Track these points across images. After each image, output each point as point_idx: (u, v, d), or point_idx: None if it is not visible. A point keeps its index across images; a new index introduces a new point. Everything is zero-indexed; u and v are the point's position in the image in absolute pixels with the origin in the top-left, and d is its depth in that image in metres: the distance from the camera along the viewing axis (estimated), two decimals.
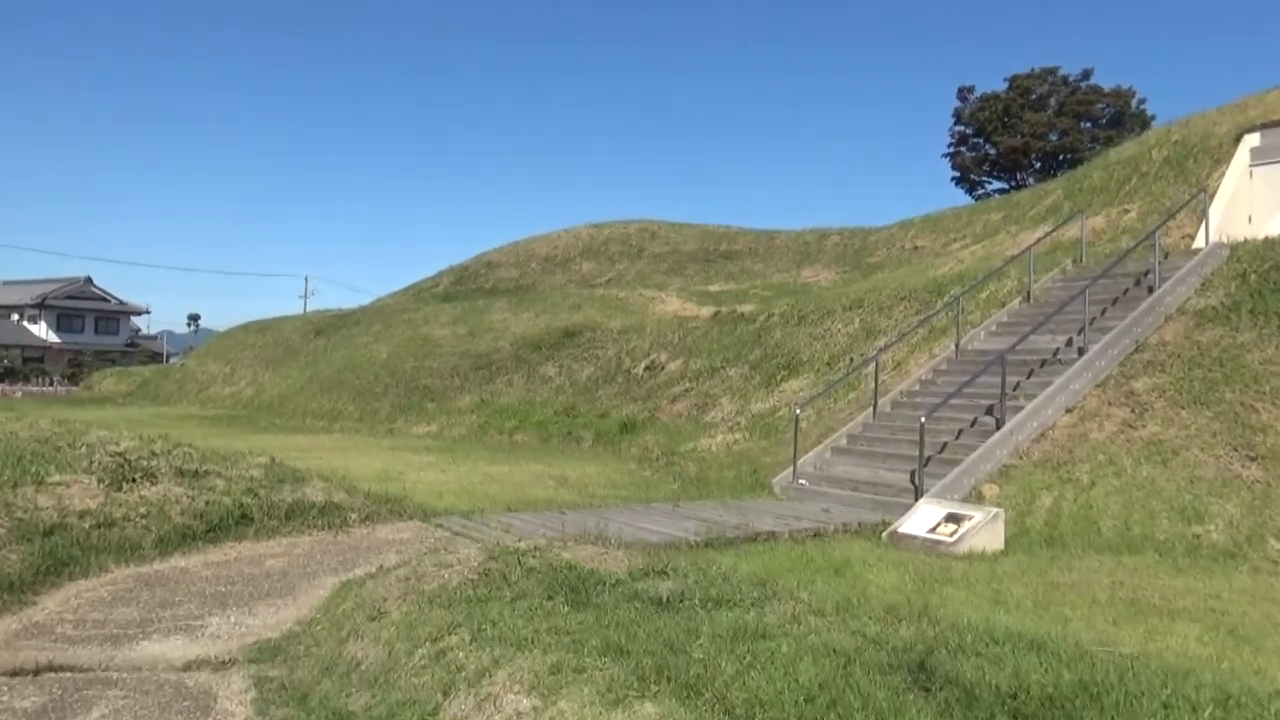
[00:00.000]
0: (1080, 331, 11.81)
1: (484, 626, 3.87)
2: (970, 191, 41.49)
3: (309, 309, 56.47)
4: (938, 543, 8.25)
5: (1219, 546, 8.38)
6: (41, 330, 62.65)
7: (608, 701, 2.93)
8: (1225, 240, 13.58)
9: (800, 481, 11.07)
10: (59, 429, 12.45)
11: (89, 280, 66.50)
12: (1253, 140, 16.96)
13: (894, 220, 31.55)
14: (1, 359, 56.49)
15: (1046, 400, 10.72)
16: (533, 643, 3.57)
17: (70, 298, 64.56)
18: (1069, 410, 10.85)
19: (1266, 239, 13.09)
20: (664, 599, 4.18)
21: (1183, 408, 10.33)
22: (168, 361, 55.26)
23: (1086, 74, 40.00)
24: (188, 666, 4.31)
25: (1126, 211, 17.93)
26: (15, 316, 63.41)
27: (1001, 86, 40.72)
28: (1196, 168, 17.68)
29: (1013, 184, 39.00)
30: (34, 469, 7.69)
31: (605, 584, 4.45)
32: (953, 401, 10.98)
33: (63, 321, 63.75)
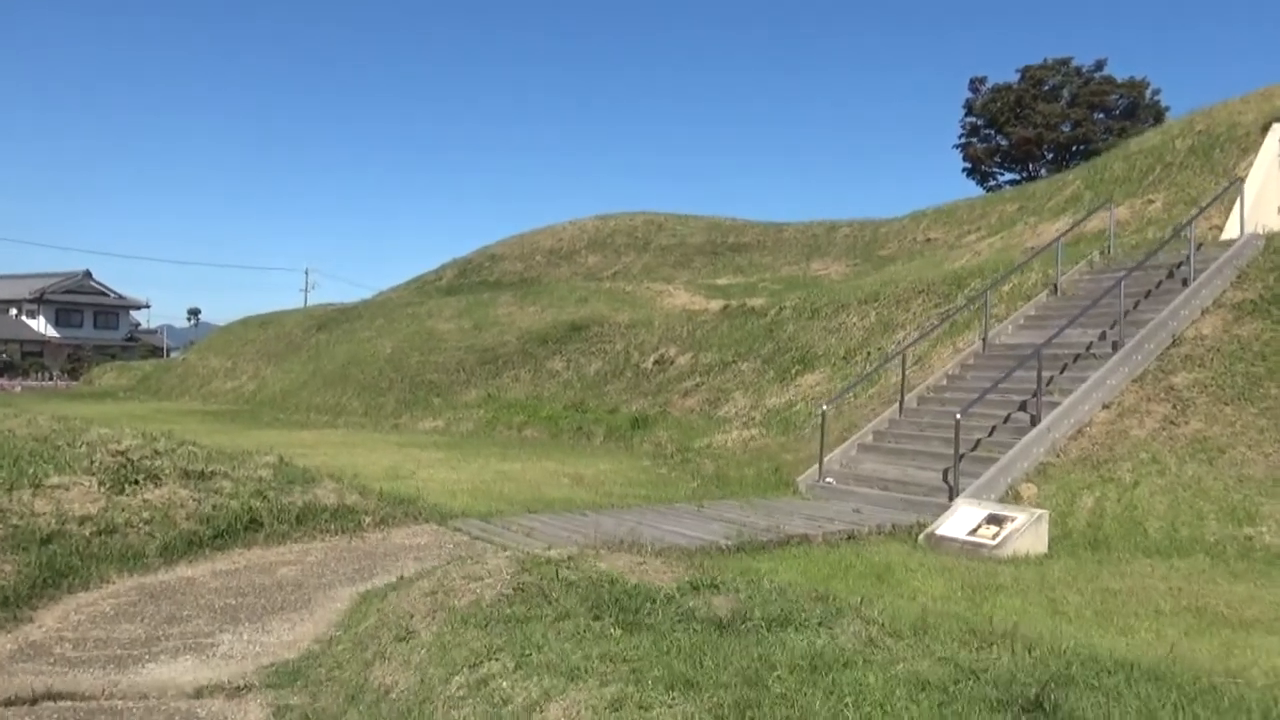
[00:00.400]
0: (1114, 325, 11.41)
1: (528, 651, 3.48)
2: (981, 183, 41.00)
3: (309, 303, 56.05)
4: (979, 546, 7.87)
5: (1273, 549, 8.00)
6: (40, 325, 62.22)
7: None
8: (1260, 231, 13.17)
9: (827, 480, 10.69)
10: (58, 426, 12.07)
11: (88, 274, 66.03)
12: None
13: (905, 212, 31.14)
14: (1, 354, 56.08)
15: (1083, 396, 10.33)
16: (586, 672, 3.19)
17: (69, 292, 64.11)
18: (1106, 406, 10.46)
19: None
20: (723, 619, 3.80)
21: (1226, 404, 9.94)
22: (168, 356, 54.88)
23: (1100, 65, 39.52)
24: (199, 693, 3.92)
25: (1151, 202, 17.52)
26: (14, 311, 62.96)
27: (1014, 77, 40.29)
28: (1223, 157, 17.27)
29: (1024, 175, 38.53)
30: (31, 470, 7.31)
31: (654, 601, 4.07)
32: (985, 397, 10.59)
33: (62, 316, 63.30)
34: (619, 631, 3.64)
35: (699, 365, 19.93)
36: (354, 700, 3.69)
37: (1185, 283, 11.95)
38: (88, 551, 5.85)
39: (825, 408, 11.24)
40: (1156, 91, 39.06)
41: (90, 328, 64.59)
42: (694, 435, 16.13)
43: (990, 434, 10.36)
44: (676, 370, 20.44)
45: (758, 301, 22.50)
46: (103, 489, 6.91)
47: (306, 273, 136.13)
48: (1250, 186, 16.02)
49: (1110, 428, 10.16)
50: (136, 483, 7.12)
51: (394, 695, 3.61)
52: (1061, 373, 11.06)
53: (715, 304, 23.95)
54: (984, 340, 12.66)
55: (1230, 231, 14.27)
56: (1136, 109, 37.78)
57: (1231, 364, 10.45)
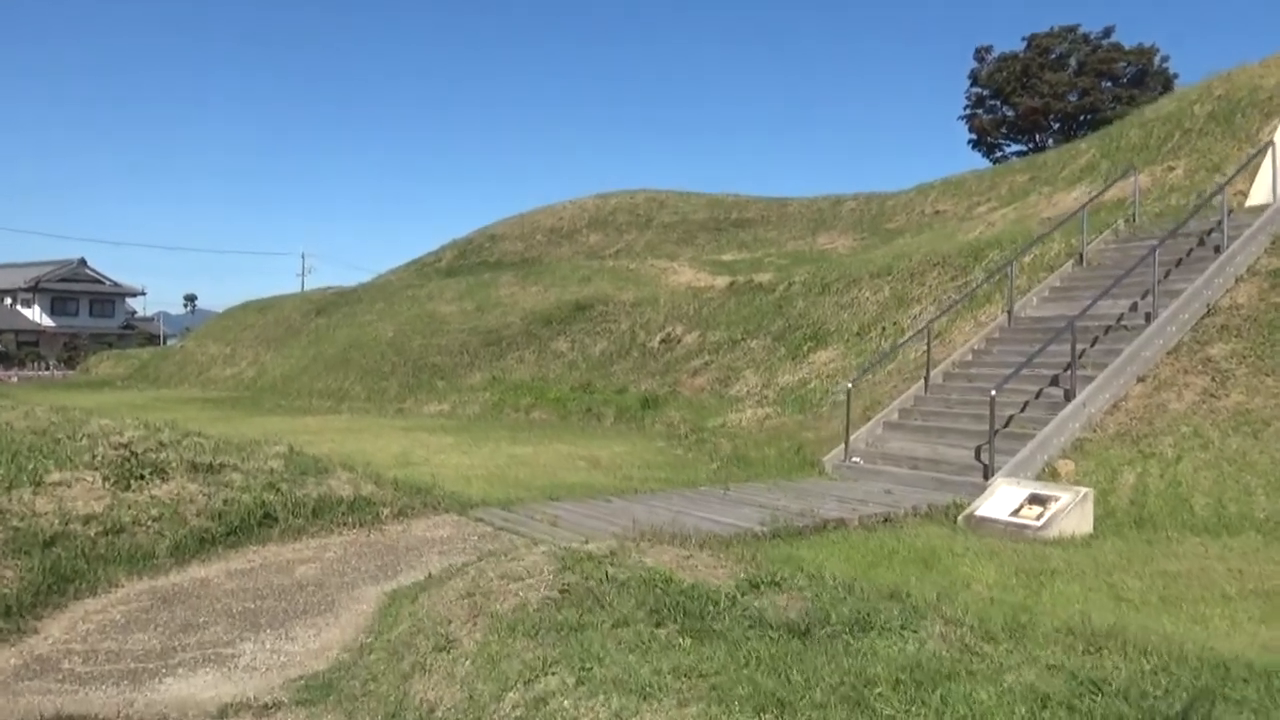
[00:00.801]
0: (1145, 295, 11.05)
1: (588, 665, 3.15)
2: (988, 155, 40.42)
3: (307, 287, 55.50)
4: (1023, 527, 7.55)
5: None
6: (35, 314, 61.61)
7: None
8: None
9: (854, 460, 10.36)
10: (57, 418, 11.70)
11: (83, 262, 65.32)
12: None
13: (910, 185, 30.66)
14: None
15: (1118, 369, 9.98)
16: (658, 690, 2.86)
17: (64, 280, 63.42)
18: (1141, 380, 10.12)
19: None
20: (798, 624, 3.46)
21: (1267, 374, 9.60)
22: (165, 343, 54.41)
23: (1108, 31, 38.81)
24: (223, 712, 3.59)
25: (1172, 169, 17.07)
26: (8, 300, 62.31)
27: (1020, 46, 39.58)
28: (1245, 123, 16.80)
29: (1031, 146, 37.95)
30: (31, 466, 6.94)
31: (716, 603, 3.73)
32: (1019, 372, 10.26)
33: (57, 305, 62.65)
34: (687, 640, 3.30)
35: (707, 343, 19.58)
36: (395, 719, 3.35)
37: (1218, 250, 11.59)
38: (94, 553, 5.50)
39: (850, 385, 10.89)
40: (1165, 58, 38.47)
41: (86, 316, 63.97)
42: (706, 415, 15.81)
43: (1022, 410, 10.03)
44: (684, 349, 20.09)
45: (765, 277, 22.10)
46: (107, 485, 6.56)
47: (303, 256, 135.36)
48: (1276, 150, 15.59)
49: (1147, 401, 9.82)
50: (142, 478, 6.77)
51: (439, 714, 3.28)
52: (1093, 346, 10.71)
53: (721, 280, 23.54)
54: (1010, 313, 12.29)
55: (1258, 197, 13.87)
56: (1145, 76, 37.14)
57: (1270, 333, 10.11)
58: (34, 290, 61.26)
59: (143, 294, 70.53)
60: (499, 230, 39.05)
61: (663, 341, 21.19)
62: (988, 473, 8.97)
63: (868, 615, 3.56)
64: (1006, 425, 9.78)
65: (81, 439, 8.73)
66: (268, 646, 4.33)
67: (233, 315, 38.24)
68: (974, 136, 40.80)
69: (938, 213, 26.89)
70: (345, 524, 6.76)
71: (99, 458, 7.39)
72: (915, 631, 3.41)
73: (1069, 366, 10.09)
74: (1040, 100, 36.87)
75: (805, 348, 17.19)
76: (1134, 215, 14.35)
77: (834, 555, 6.57)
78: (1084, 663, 3.07)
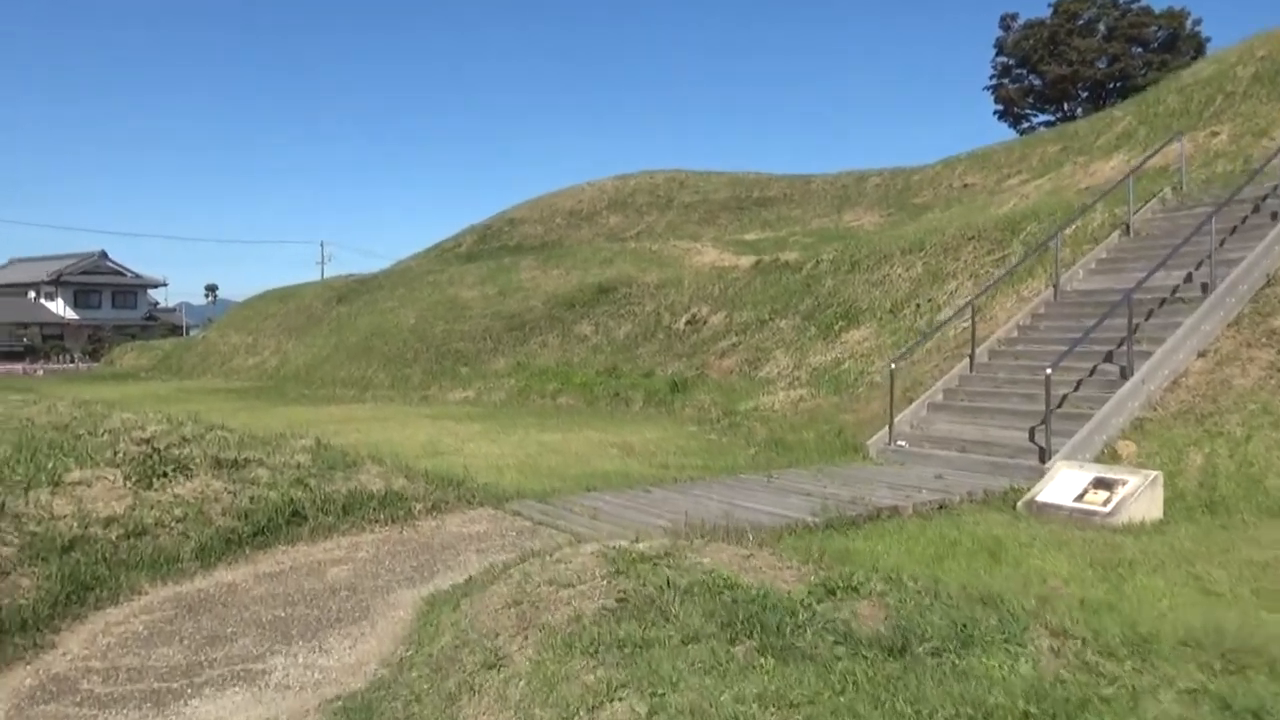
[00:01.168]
0: (1199, 266, 10.53)
1: (659, 690, 2.80)
2: (1014, 126, 39.39)
3: (326, 275, 55.46)
4: (1090, 514, 7.13)
5: None
6: (59, 307, 61.98)
7: None
8: None
9: (899, 443, 9.95)
10: (78, 413, 11.50)
11: (104, 254, 65.59)
12: None
13: (935, 159, 29.97)
14: (21, 337, 55.94)
15: (1176, 344, 9.50)
16: None
17: (86, 273, 63.70)
18: (1201, 354, 9.63)
19: None
20: (889, 640, 3.09)
21: None
22: (187, 334, 54.60)
23: None
24: None
25: (1215, 134, 16.42)
26: (32, 294, 62.71)
27: (1046, 13, 38.41)
28: None
29: (1060, 116, 36.99)
30: (50, 465, 6.68)
31: (792, 613, 3.37)
32: (1075, 349, 9.81)
33: (80, 297, 62.99)
34: (769, 660, 2.95)
35: (734, 324, 19.18)
36: None
37: (1275, 217, 11.03)
38: (115, 558, 5.21)
39: (893, 366, 10.45)
40: (1198, 22, 37.27)
41: (109, 308, 64.29)
42: (737, 398, 15.43)
43: (1076, 388, 9.57)
44: (710, 330, 19.70)
45: (791, 256, 21.62)
46: (129, 484, 6.28)
47: (322, 245, 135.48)
48: None
49: (1209, 377, 9.33)
50: (165, 475, 6.49)
51: None
52: (1147, 319, 10.21)
53: (746, 260, 23.08)
54: (1056, 287, 11.79)
55: None
56: (1177, 41, 36.01)
57: None
58: (57, 283, 61.59)
59: (164, 285, 70.86)
60: (518, 214, 38.67)
61: (688, 323, 20.81)
62: (1044, 455, 8.54)
63: (964, 626, 3.19)
64: (1060, 405, 9.33)
65: (103, 435, 8.49)
66: (300, 661, 4.02)
67: (254, 305, 38.17)
68: (1000, 107, 39.81)
69: (966, 186, 26.24)
70: (377, 521, 6.46)
71: (120, 454, 7.13)
72: (1023, 646, 3.04)
73: (1123, 341, 9.62)
74: (1069, 68, 35.83)
75: (837, 327, 16.74)
76: (1181, 183, 13.76)
77: (894, 547, 6.19)
78: (1229, 686, 2.69)
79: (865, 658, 2.96)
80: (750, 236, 28.93)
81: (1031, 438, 9.00)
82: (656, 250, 27.42)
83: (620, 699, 2.83)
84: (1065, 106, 37.98)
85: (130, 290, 67.01)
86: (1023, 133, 36.05)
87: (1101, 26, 37.15)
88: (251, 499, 6.26)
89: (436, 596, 4.74)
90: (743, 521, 6.46)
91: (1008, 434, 9.29)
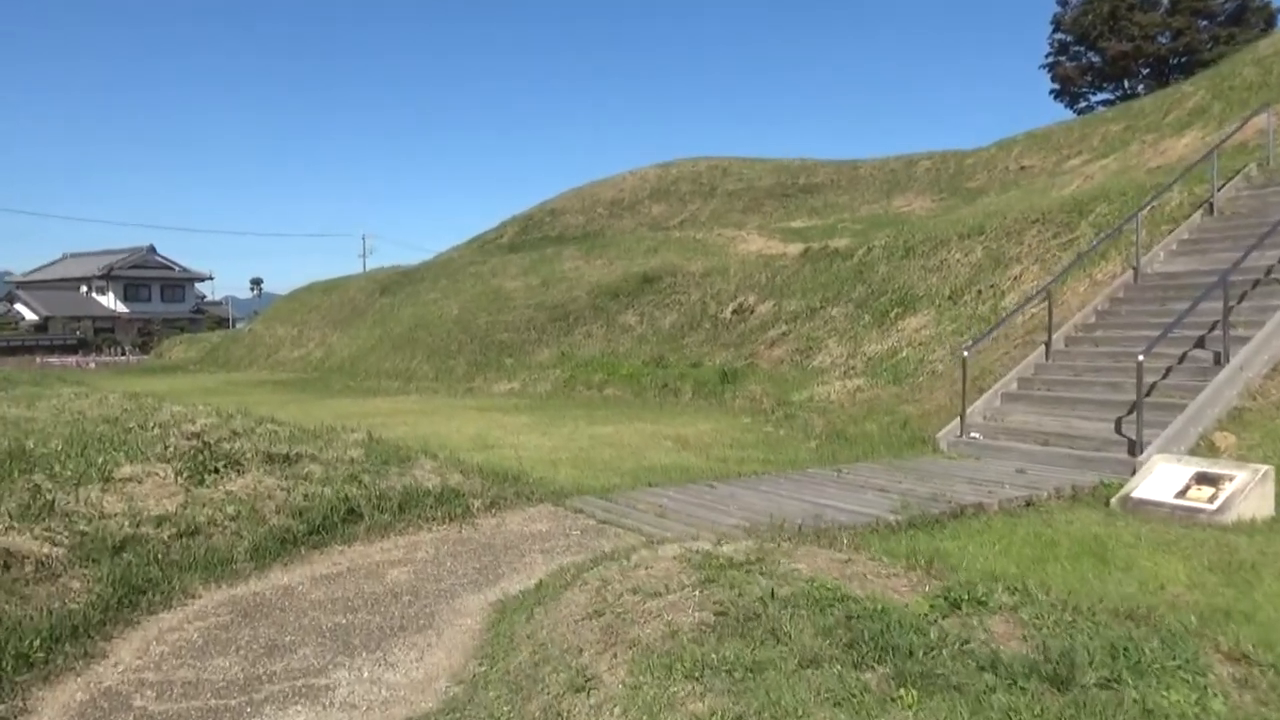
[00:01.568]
0: None
1: None
2: (1071, 105, 38.08)
3: (368, 267, 55.74)
4: (1195, 511, 6.61)
5: None
6: (110, 301, 63.18)
7: None
8: None
9: (971, 435, 9.44)
10: (129, 405, 11.42)
11: (152, 249, 66.72)
12: None
13: (988, 142, 29.06)
14: (74, 330, 57.09)
15: (1277, 327, 8.87)
16: None
17: (135, 267, 64.86)
18: None
19: None
20: (1045, 667, 2.69)
21: None
22: (234, 326, 55.26)
23: None
24: None
25: None
26: (84, 289, 64.02)
27: None
28: None
29: (1119, 94, 35.67)
30: (101, 460, 6.49)
31: (921, 632, 2.97)
32: (1152, 334, 9.23)
33: (129, 291, 64.15)
34: (910, 693, 2.56)
35: (783, 313, 18.70)
36: None
37: None
38: (167, 559, 4.96)
39: (965, 354, 9.93)
40: None
41: (158, 301, 65.42)
42: (790, 388, 14.98)
43: (1165, 376, 8.99)
44: (758, 319, 19.26)
45: (841, 243, 21.04)
46: (180, 480, 6.05)
47: (364, 238, 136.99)
48: None
49: None
50: (216, 471, 6.25)
51: None
52: (1240, 302, 9.57)
53: (794, 248, 22.55)
54: (1136, 270, 11.16)
55: None
56: (1245, 13, 34.40)
57: None
58: (107, 278, 62.78)
59: (210, 279, 71.88)
60: (559, 204, 38.41)
61: (735, 312, 20.39)
62: (1134, 448, 8.00)
63: (1125, 650, 2.77)
64: (1149, 394, 8.76)
65: (153, 428, 8.33)
66: (365, 675, 3.70)
67: (298, 297, 38.41)
68: (1057, 86, 38.45)
69: (1023, 168, 25.40)
70: (434, 519, 6.16)
71: (171, 449, 6.92)
72: (1202, 675, 2.62)
73: (1215, 326, 9.02)
74: (1130, 44, 34.41)
75: (892, 314, 16.19)
76: (1268, 158, 12.99)
77: (986, 548, 5.74)
78: None
79: (1023, 689, 2.55)
80: (797, 224, 28.34)
81: (1118, 429, 8.45)
82: (701, 239, 26.96)
83: None
84: (1126, 84, 36.56)
85: (178, 284, 68.12)
86: (1080, 112, 34.83)
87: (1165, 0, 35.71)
88: (305, 496, 5.99)
89: (506, 603, 4.41)
90: (819, 520, 6.06)
91: (1092, 425, 8.75)
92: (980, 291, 15.09)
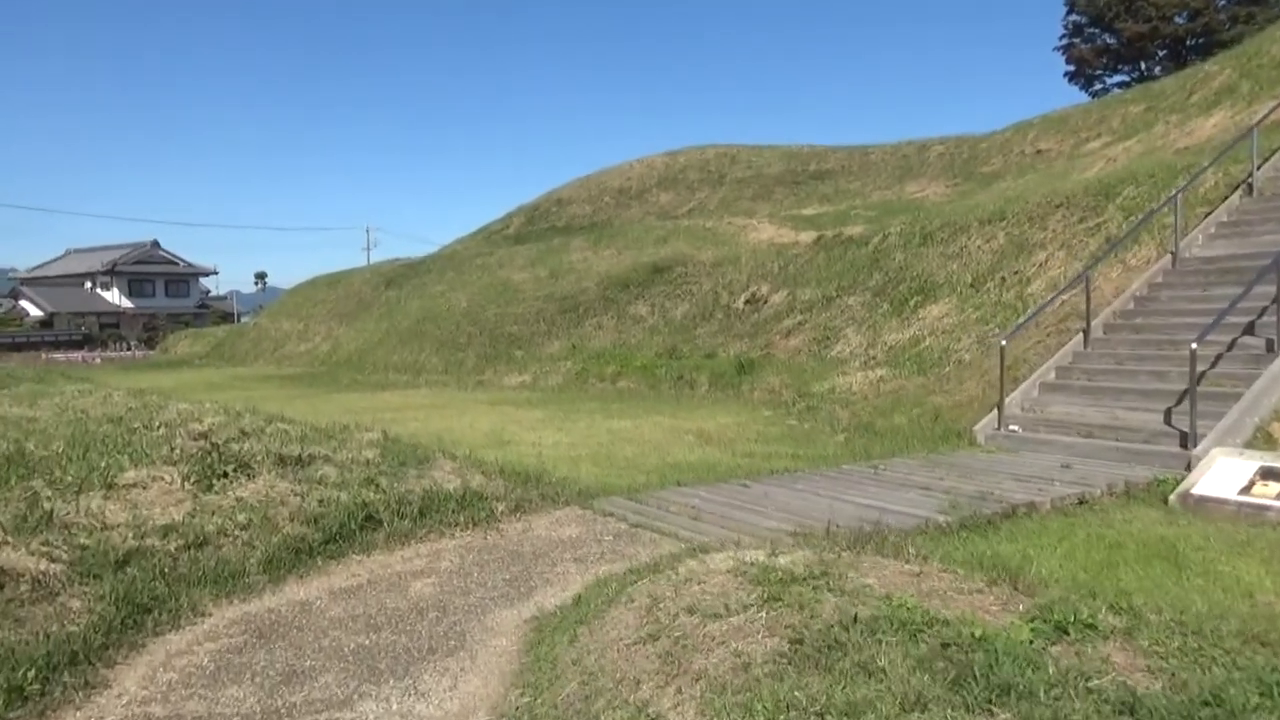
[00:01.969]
0: None
1: None
2: (1086, 88, 37.43)
3: (373, 260, 55.39)
4: (1263, 509, 6.22)
5: None
6: (114, 296, 62.94)
7: None
8: None
9: (1010, 427, 9.06)
10: (134, 404, 11.07)
11: (156, 244, 66.43)
12: None
13: (1001, 126, 28.54)
14: (79, 326, 56.86)
15: None
16: None
17: (139, 262, 64.61)
18: None
19: None
20: (1208, 715, 2.32)
21: None
22: (239, 321, 54.99)
23: None
24: None
25: None
26: (88, 284, 63.78)
27: None
28: None
29: (1136, 76, 35.07)
30: (103, 463, 6.14)
31: (1033, 665, 2.61)
32: (1195, 320, 8.84)
33: (134, 286, 63.90)
34: None
35: (797, 302, 18.31)
36: None
37: None
38: (175, 574, 4.61)
39: (1004, 342, 9.53)
40: None
41: (162, 296, 65.18)
42: (809, 379, 14.62)
43: (1214, 364, 8.58)
44: (772, 309, 18.86)
45: (855, 230, 20.62)
46: (187, 485, 5.70)
47: (368, 231, 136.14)
48: None
49: None
50: (225, 475, 5.90)
51: None
52: None
53: (806, 236, 22.12)
54: (1175, 255, 10.74)
55: None
56: None
57: None
58: (111, 273, 62.54)
59: (215, 273, 71.65)
60: (565, 194, 37.97)
61: (748, 302, 19.99)
62: (1187, 441, 7.61)
63: (1250, 677, 2.40)
64: (1198, 383, 8.36)
65: (159, 428, 7.97)
66: (394, 708, 3.34)
67: (303, 291, 38.05)
68: (1071, 68, 37.81)
69: (1039, 152, 24.90)
70: (456, 524, 5.80)
71: (177, 450, 6.57)
72: None
73: (1264, 311, 8.63)
74: (1146, 24, 33.74)
75: (912, 303, 15.79)
76: None
77: (1048, 551, 5.36)
78: None
79: None
80: (808, 211, 27.87)
81: (1168, 420, 8.07)
82: (711, 228, 26.52)
83: None
84: (1143, 66, 35.92)
85: (182, 279, 67.86)
86: (1095, 95, 34.21)
87: None
88: (320, 501, 5.64)
89: (543, 620, 4.05)
90: (864, 521, 5.69)
91: (1139, 416, 8.36)
92: (1004, 278, 14.68)
